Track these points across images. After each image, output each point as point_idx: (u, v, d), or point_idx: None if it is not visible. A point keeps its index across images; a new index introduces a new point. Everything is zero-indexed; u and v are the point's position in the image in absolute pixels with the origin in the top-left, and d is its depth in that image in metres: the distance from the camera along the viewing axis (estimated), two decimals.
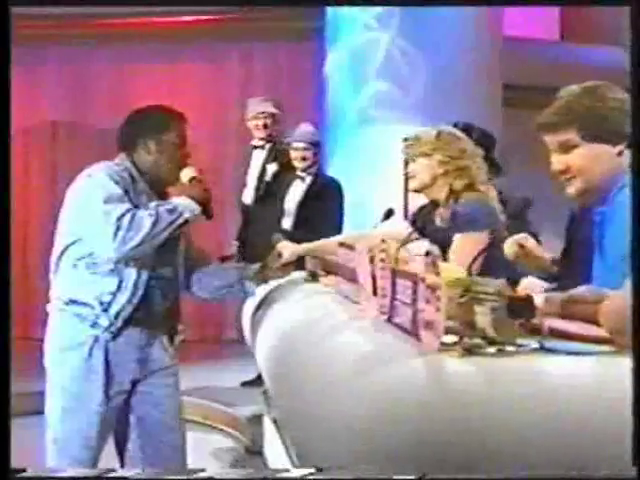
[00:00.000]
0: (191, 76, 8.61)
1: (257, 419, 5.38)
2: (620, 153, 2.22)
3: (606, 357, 1.73)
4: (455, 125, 3.96)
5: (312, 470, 2.41)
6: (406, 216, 6.71)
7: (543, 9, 9.98)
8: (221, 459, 5.20)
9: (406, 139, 3.50)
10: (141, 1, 7.34)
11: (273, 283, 3.48)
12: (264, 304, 3.44)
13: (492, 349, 1.76)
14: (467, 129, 3.89)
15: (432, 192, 3.40)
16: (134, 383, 3.12)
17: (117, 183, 3.01)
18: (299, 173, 5.91)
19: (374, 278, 2.38)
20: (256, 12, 8.27)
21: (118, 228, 2.89)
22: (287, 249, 3.46)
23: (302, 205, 5.88)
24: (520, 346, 1.77)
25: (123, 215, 2.91)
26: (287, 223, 5.88)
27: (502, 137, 6.08)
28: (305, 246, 3.63)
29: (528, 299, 1.79)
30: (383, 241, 2.29)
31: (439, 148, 3.37)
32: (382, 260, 2.27)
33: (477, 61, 7.37)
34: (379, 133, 7.27)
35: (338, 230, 5.67)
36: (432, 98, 7.18)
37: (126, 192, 3.02)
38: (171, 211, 3.01)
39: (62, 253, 3.08)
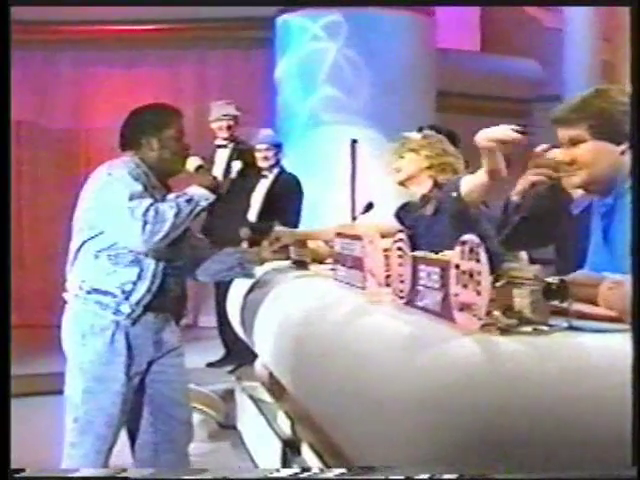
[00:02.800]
0: (148, 81, 8.46)
1: (229, 396, 5.37)
2: (623, 152, 2.26)
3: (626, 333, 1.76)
4: (420, 129, 3.97)
5: (297, 470, 2.37)
6: (354, 215, 6.78)
7: (466, 22, 10.10)
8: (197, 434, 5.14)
9: (397, 140, 3.52)
10: (133, 2, 7.15)
11: (266, 267, 3.46)
12: (258, 287, 3.41)
13: (528, 328, 1.78)
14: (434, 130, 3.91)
15: (416, 185, 3.43)
16: (149, 364, 3.08)
17: (137, 180, 2.97)
18: (264, 172, 5.96)
19: (387, 265, 2.38)
20: (209, 22, 8.20)
21: (145, 223, 2.86)
22: (285, 233, 3.44)
23: (266, 199, 5.94)
24: (551, 326, 1.79)
25: (147, 210, 2.87)
26: (252, 215, 5.93)
27: None
28: (301, 231, 3.63)
29: (563, 284, 1.80)
30: (400, 231, 2.29)
31: (425, 145, 3.46)
32: (399, 249, 2.27)
33: (414, 69, 7.45)
34: (328, 134, 7.31)
35: (296, 220, 5.77)
36: (375, 102, 7.26)
37: (145, 188, 2.98)
38: (189, 201, 2.98)
39: (81, 246, 3.02)
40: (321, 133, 7.34)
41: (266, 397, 4.43)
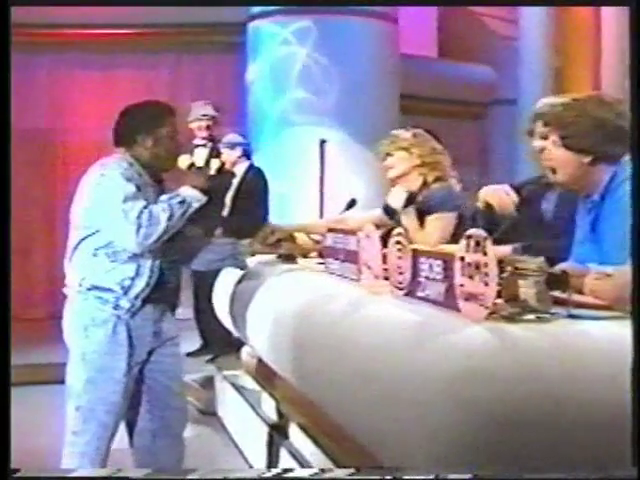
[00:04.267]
0: (124, 83, 8.35)
1: (208, 384, 5.36)
2: (590, 163, 2.29)
3: (622, 320, 1.78)
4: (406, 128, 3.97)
5: (279, 471, 2.34)
6: (322, 212, 6.80)
7: (425, 29, 10.16)
8: None
9: (385, 139, 3.49)
10: (127, 3, 7.04)
11: (254, 260, 3.44)
12: (247, 279, 3.40)
13: (531, 316, 1.80)
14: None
15: (407, 182, 3.41)
16: (148, 353, 3.04)
17: (129, 180, 2.90)
18: (233, 170, 5.99)
19: (384, 258, 2.38)
20: (184, 27, 8.15)
21: (139, 226, 2.81)
22: (278, 228, 3.40)
23: (235, 196, 5.95)
24: (553, 314, 1.81)
25: (141, 213, 2.82)
26: (225, 212, 5.90)
27: None
28: (294, 226, 3.61)
29: (564, 274, 1.83)
30: (399, 226, 2.30)
31: (416, 144, 3.41)
32: (398, 242, 2.28)
33: (379, 73, 7.49)
34: (297, 134, 7.32)
35: (264, 215, 5.80)
36: (343, 104, 7.29)
37: (138, 188, 2.91)
38: (182, 203, 2.93)
39: (79, 243, 2.96)
40: (291, 133, 7.35)
41: (249, 385, 4.42)
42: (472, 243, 1.84)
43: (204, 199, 3.02)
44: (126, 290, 2.93)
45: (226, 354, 5.63)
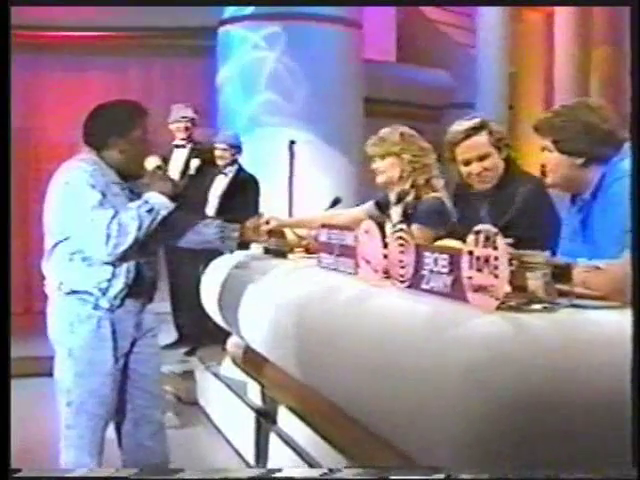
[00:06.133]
0: (96, 85, 8.25)
1: (187, 375, 5.35)
2: (582, 164, 2.35)
3: (621, 309, 1.84)
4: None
5: (263, 471, 2.34)
6: (291, 211, 6.80)
7: (385, 35, 10.22)
8: None
9: (371, 139, 3.43)
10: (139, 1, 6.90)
11: (243, 254, 3.42)
12: (239, 273, 3.39)
13: (537, 306, 1.84)
14: None
15: (397, 186, 3.35)
16: (131, 344, 2.98)
17: (94, 187, 2.80)
18: (223, 170, 5.90)
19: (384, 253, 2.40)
20: (155, 30, 8.09)
21: (108, 236, 2.75)
22: (272, 218, 3.31)
23: (224, 196, 5.88)
24: (557, 304, 1.86)
25: (110, 223, 2.75)
26: (211, 211, 5.84)
27: (364, 140, 6.23)
28: (288, 219, 3.59)
29: (568, 267, 1.88)
30: (401, 222, 2.33)
31: (406, 148, 3.32)
32: (400, 238, 2.31)
33: (345, 77, 7.51)
34: (267, 135, 7.30)
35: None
36: (311, 107, 7.29)
37: (103, 194, 2.81)
38: (150, 211, 2.85)
39: (54, 246, 2.88)
40: (261, 134, 7.32)
41: (232, 374, 4.42)
42: (481, 238, 1.88)
43: (172, 206, 2.93)
44: (104, 291, 2.87)
45: (204, 346, 5.63)
